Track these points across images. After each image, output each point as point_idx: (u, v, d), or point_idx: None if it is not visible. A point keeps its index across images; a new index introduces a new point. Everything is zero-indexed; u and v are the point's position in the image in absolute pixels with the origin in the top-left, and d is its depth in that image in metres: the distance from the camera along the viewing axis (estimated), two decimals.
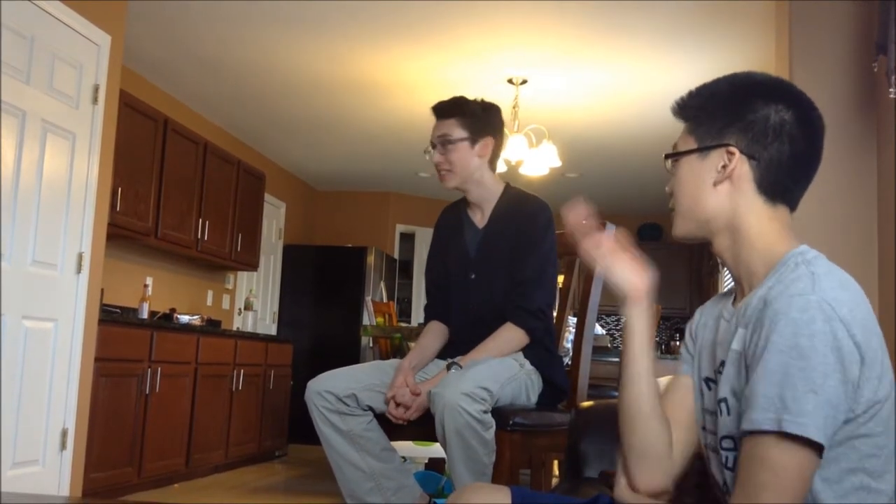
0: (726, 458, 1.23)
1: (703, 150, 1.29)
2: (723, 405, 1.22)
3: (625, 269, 1.32)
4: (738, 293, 1.32)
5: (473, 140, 2.54)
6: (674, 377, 1.42)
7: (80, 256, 3.99)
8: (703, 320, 1.39)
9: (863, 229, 3.17)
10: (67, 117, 3.89)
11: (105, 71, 4.10)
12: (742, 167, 1.26)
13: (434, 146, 2.57)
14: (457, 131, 2.53)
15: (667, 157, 1.34)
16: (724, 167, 1.27)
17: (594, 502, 1.39)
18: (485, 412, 2.20)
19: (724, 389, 1.22)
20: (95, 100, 4.06)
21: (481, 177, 2.58)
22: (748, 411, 1.11)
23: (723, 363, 1.26)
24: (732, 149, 1.26)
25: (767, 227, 1.26)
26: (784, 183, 1.27)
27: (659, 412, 1.32)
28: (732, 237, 1.28)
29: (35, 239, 3.70)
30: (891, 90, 2.70)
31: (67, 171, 3.91)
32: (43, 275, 3.78)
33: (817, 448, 1.07)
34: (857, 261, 3.16)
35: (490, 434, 2.21)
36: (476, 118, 2.55)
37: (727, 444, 1.22)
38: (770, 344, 1.11)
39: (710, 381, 1.32)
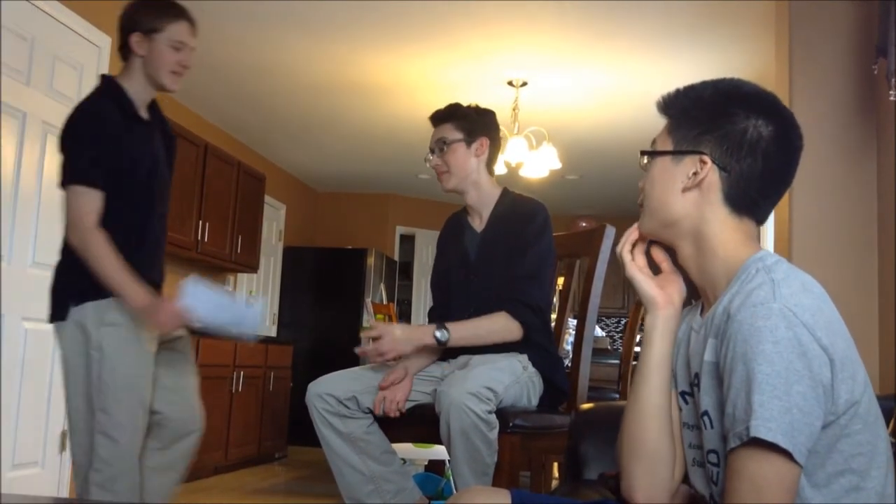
0: (712, 472, 1.23)
1: (677, 153, 1.29)
2: (705, 419, 1.22)
3: (643, 281, 1.35)
4: (704, 303, 1.32)
5: (469, 141, 2.59)
6: None
7: None
8: (679, 331, 1.38)
9: (863, 231, 3.17)
10: None
11: (105, 72, 4.10)
12: (712, 177, 1.26)
13: (433, 151, 2.62)
14: (453, 133, 2.59)
15: (643, 153, 1.35)
16: (694, 174, 1.27)
17: None
18: (490, 412, 2.21)
19: (706, 402, 1.22)
20: None
21: (479, 179, 2.62)
22: (727, 433, 1.12)
23: (696, 375, 1.27)
24: (705, 157, 1.26)
25: (730, 237, 1.26)
26: (752, 197, 1.27)
27: (666, 426, 1.31)
28: (696, 245, 1.29)
29: (35, 240, 3.70)
30: (891, 93, 2.70)
31: None
32: (43, 276, 3.76)
33: (791, 455, 1.06)
34: (857, 262, 3.16)
35: (494, 434, 2.22)
36: (470, 120, 2.60)
37: (713, 458, 1.22)
38: (736, 356, 1.11)
39: (687, 395, 1.33)
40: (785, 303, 1.12)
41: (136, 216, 2.41)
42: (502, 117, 5.34)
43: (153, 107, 2.56)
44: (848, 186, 3.20)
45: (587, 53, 5.02)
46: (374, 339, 2.37)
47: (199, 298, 2.35)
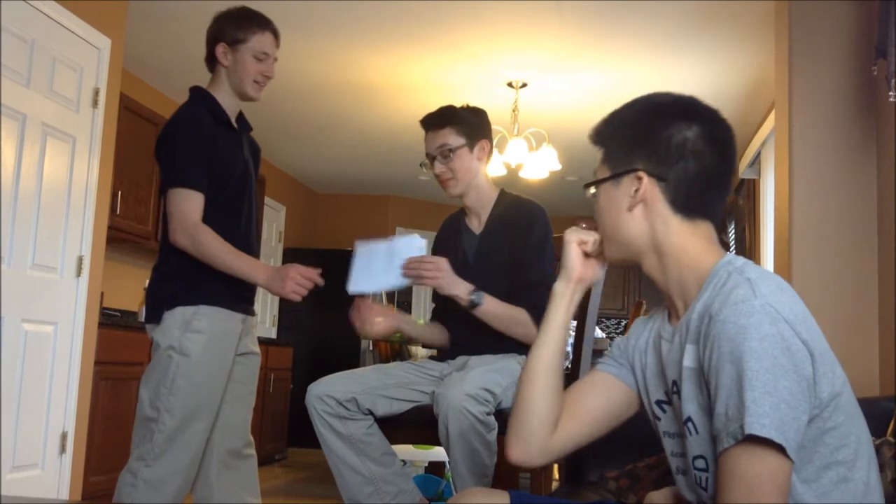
0: (699, 477, 1.23)
1: (614, 177, 1.33)
2: (689, 425, 1.22)
3: (573, 249, 1.45)
4: (671, 312, 1.34)
5: (471, 145, 2.57)
6: (592, 370, 1.46)
7: (80, 259, 3.99)
8: (639, 342, 1.41)
9: (863, 231, 3.17)
10: (67, 120, 3.89)
11: (105, 74, 4.11)
12: (653, 190, 1.29)
13: (433, 158, 2.59)
14: (454, 139, 2.56)
15: (585, 186, 1.40)
16: (636, 191, 1.30)
17: None
18: (488, 414, 2.21)
19: (689, 408, 1.22)
20: (95, 103, 4.06)
21: (480, 181, 2.61)
22: (719, 433, 1.12)
23: (675, 383, 1.28)
24: (640, 173, 1.30)
25: (690, 243, 1.29)
26: (697, 199, 1.29)
27: (553, 387, 1.39)
28: (658, 257, 1.31)
29: (35, 242, 3.70)
30: (891, 93, 2.70)
31: (67, 175, 3.91)
32: (43, 278, 3.78)
33: (784, 451, 1.07)
34: (857, 262, 3.16)
35: (493, 436, 2.21)
36: (469, 123, 2.59)
37: (700, 463, 1.22)
38: (722, 356, 1.13)
39: (664, 403, 1.34)
40: (766, 300, 1.13)
41: (228, 222, 2.47)
42: (502, 118, 5.36)
43: (240, 116, 2.65)
44: (848, 186, 3.20)
45: (587, 54, 5.02)
46: (426, 262, 2.40)
47: (360, 270, 2.48)
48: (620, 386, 1.41)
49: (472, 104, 2.66)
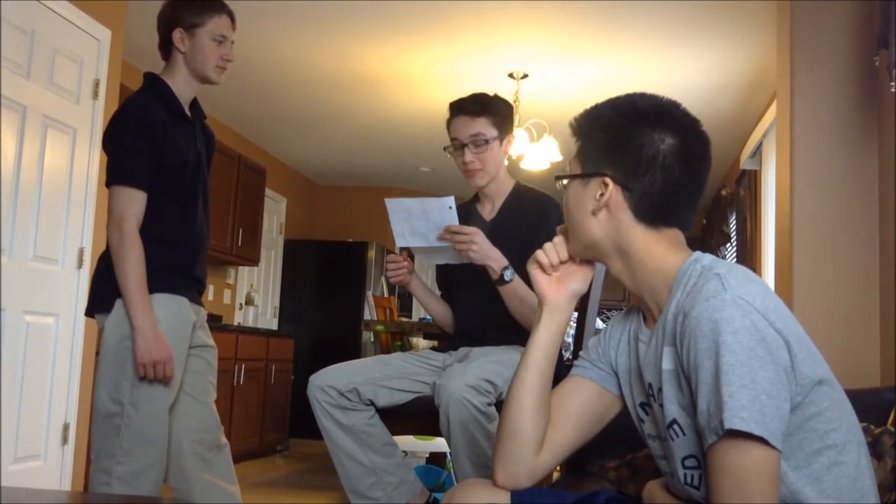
0: (691, 476, 1.23)
1: (583, 176, 1.32)
2: (675, 427, 1.22)
3: (535, 277, 1.42)
4: (646, 314, 1.33)
5: (502, 138, 2.57)
6: (569, 375, 1.44)
7: (81, 251, 3.99)
8: (620, 344, 1.40)
9: (864, 222, 3.17)
10: (68, 112, 3.89)
11: (105, 66, 4.11)
12: (617, 197, 1.28)
13: (463, 145, 2.54)
14: (490, 130, 2.53)
15: (557, 178, 1.38)
16: (600, 195, 1.28)
17: (593, 497, 1.39)
18: (489, 405, 2.21)
19: (672, 410, 1.22)
20: (96, 95, 4.06)
21: (500, 172, 2.61)
22: (703, 430, 1.12)
23: (651, 385, 1.27)
24: (607, 179, 1.28)
25: (654, 248, 1.28)
26: (661, 211, 1.27)
27: (538, 408, 1.35)
28: (624, 260, 1.30)
29: (36, 234, 3.71)
30: (892, 84, 2.69)
31: (68, 166, 3.91)
32: (44, 270, 3.79)
33: (767, 441, 1.07)
34: (858, 254, 3.16)
35: (493, 427, 2.21)
36: (503, 116, 2.57)
37: (690, 462, 1.22)
38: (700, 353, 1.12)
39: (646, 406, 1.33)
40: (735, 292, 1.13)
41: (183, 214, 2.41)
42: None
43: (194, 104, 2.56)
44: (849, 177, 3.20)
45: (588, 46, 5.01)
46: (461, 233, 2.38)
47: (401, 226, 2.49)
48: (599, 390, 1.40)
49: (499, 95, 2.63)
